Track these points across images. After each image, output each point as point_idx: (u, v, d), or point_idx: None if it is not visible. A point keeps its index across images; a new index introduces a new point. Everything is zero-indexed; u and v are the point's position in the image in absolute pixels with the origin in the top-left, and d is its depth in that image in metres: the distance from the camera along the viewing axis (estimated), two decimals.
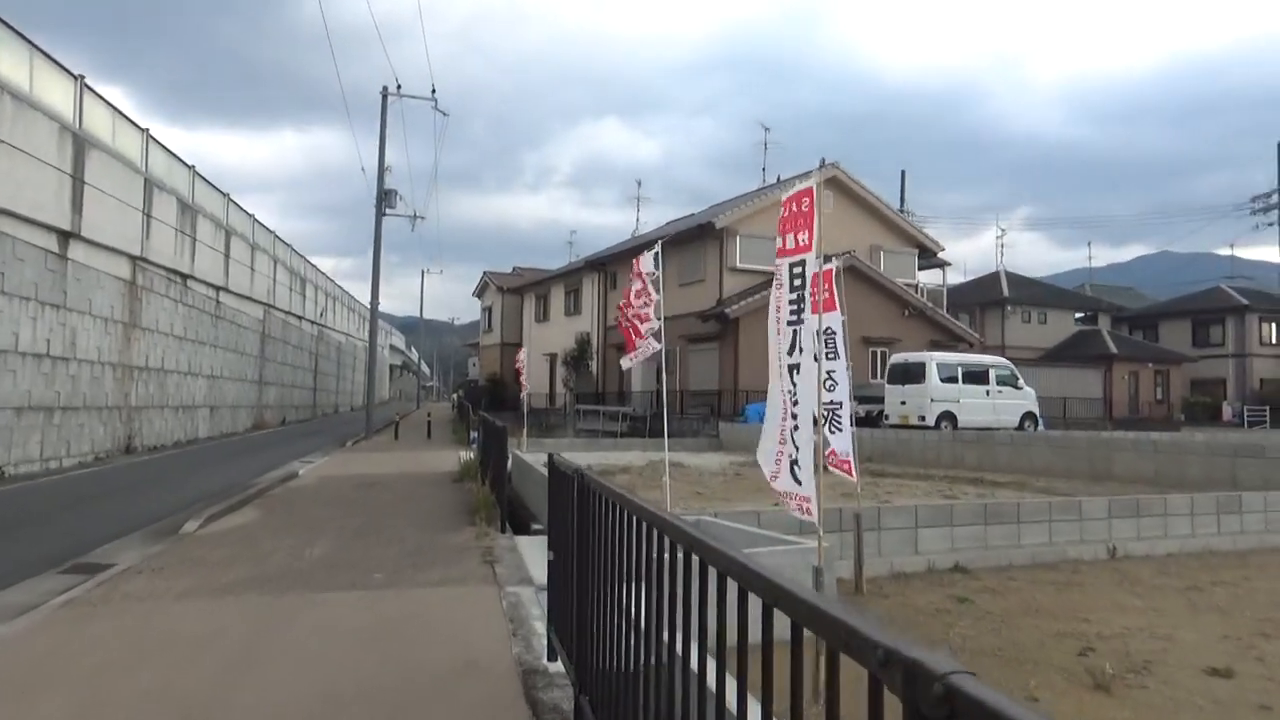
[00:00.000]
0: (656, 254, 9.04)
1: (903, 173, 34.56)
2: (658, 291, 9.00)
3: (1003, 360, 22.22)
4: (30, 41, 15.76)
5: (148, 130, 21.37)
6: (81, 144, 17.45)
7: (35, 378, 16.16)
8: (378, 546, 8.71)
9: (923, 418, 20.19)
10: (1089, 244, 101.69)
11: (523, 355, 24.06)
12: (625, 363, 9.42)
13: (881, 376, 28.75)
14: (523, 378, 24.55)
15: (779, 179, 33.37)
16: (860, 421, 22.79)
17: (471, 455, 18.39)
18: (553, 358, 40.44)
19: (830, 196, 30.42)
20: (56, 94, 16.77)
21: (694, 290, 29.68)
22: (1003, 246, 49.16)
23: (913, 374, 20.81)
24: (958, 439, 18.45)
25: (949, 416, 20.33)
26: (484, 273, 51.89)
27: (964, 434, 18.72)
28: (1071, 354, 42.15)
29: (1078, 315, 47.81)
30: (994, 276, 47.82)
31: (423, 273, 74.70)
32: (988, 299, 44.26)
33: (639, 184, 68.01)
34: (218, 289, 27.99)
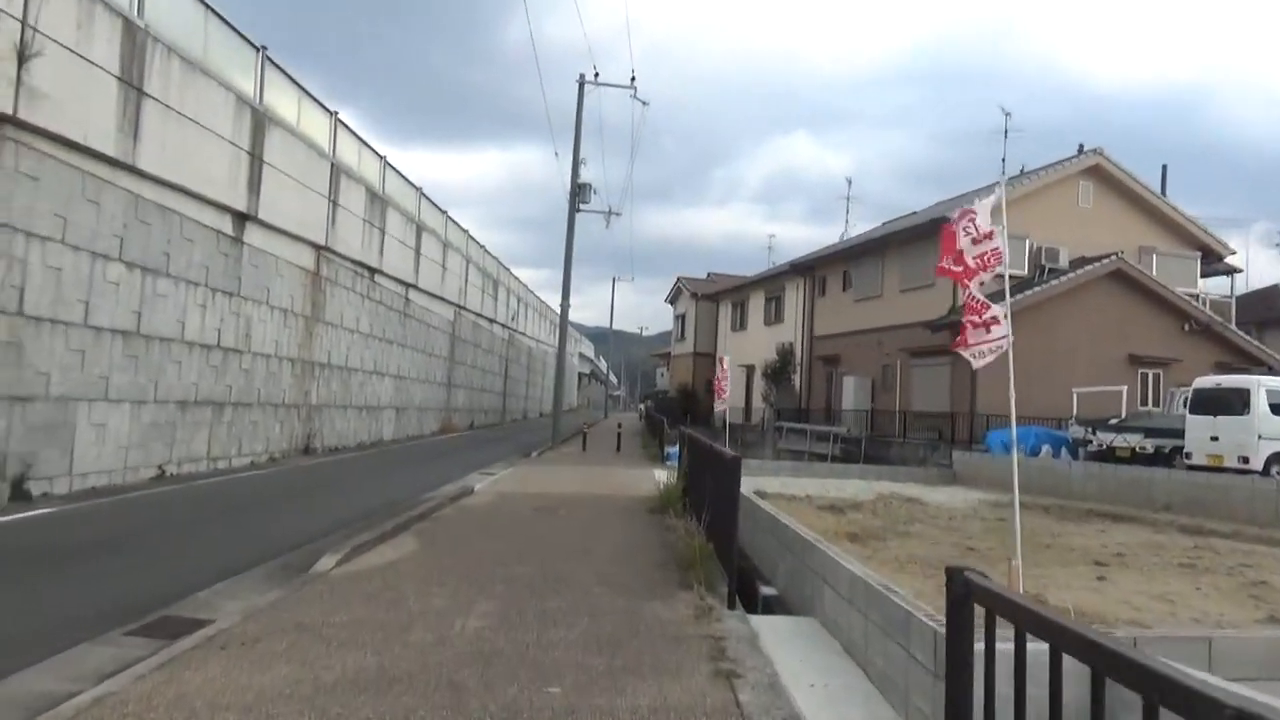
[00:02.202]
0: (1000, 201, 5.99)
1: (1164, 168, 28.93)
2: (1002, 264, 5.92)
3: None
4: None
5: (336, 114, 20.15)
6: (261, 119, 16.13)
7: (204, 370, 14.82)
8: (558, 620, 5.96)
9: (1245, 459, 15.57)
10: None
11: (725, 364, 21.19)
12: (974, 360, 6.28)
13: (1154, 403, 23.81)
14: (721, 389, 21.66)
15: (1022, 170, 28.78)
16: (1148, 460, 18.29)
17: (668, 476, 15.62)
18: (750, 369, 37.32)
19: (1091, 189, 25.72)
20: (234, 64, 15.45)
21: (919, 297, 25.75)
22: None
23: (1229, 403, 16.17)
24: None
25: None
26: (677, 278, 49.55)
27: None
28: None
29: None
30: (1270, 291, 40.41)
31: (613, 280, 73.82)
32: (1268, 316, 37.20)
33: (849, 182, 64.14)
34: (407, 286, 26.88)
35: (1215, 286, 28.20)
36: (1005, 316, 6.03)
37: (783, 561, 8.31)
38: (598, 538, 9.70)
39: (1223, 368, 24.44)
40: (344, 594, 6.60)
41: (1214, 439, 16.30)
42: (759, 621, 6.25)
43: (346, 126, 20.80)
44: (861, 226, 42.92)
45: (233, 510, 11.55)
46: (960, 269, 6.01)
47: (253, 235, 16.32)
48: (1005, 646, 2.14)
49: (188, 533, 9.84)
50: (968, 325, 6.09)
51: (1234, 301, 27.97)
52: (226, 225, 15.38)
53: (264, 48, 16.37)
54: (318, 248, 19.37)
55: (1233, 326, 25.37)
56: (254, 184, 15.93)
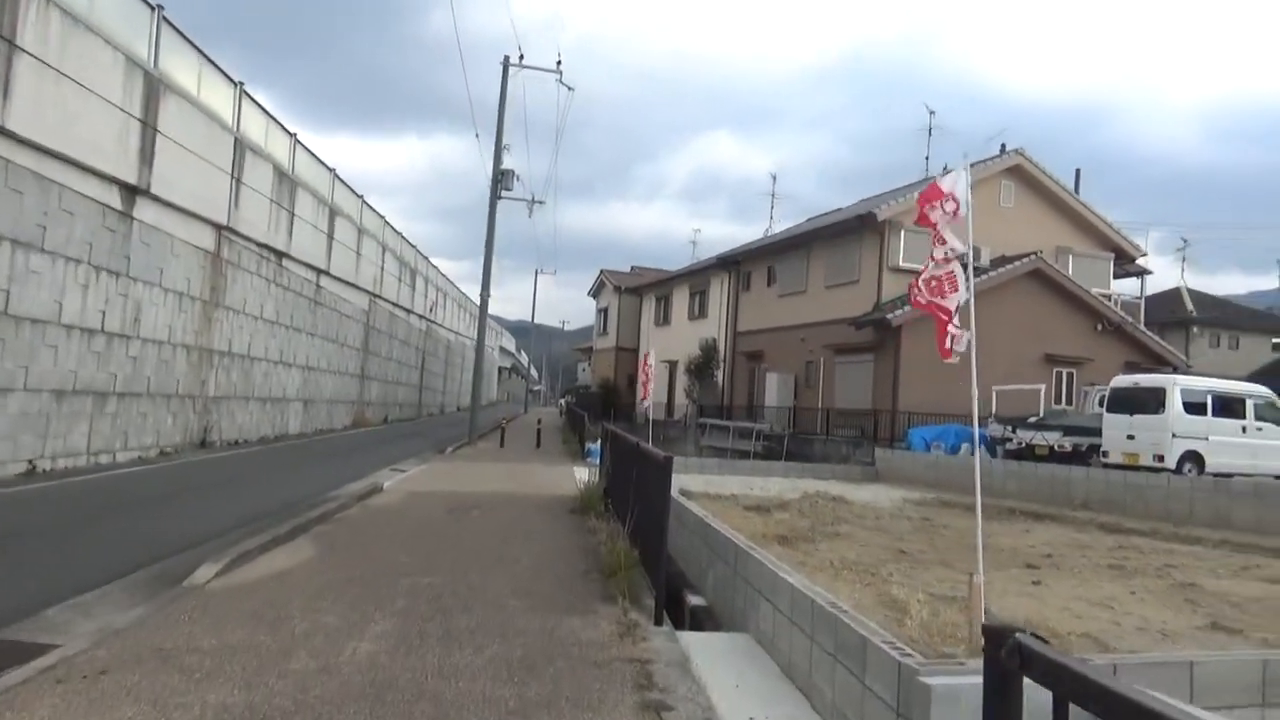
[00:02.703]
0: (966, 180, 5.56)
1: (1077, 172, 29.51)
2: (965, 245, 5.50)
3: (1263, 389, 17.46)
4: None
5: (241, 85, 18.89)
6: (155, 85, 14.89)
7: (84, 356, 13.57)
8: (465, 641, 5.29)
9: (1160, 457, 15.73)
10: None
11: (650, 359, 20.64)
12: (956, 347, 5.86)
13: (1067, 401, 24.19)
14: (647, 385, 21.13)
15: (945, 169, 28.99)
16: (1065, 458, 18.42)
17: (590, 475, 15.03)
18: (673, 365, 36.93)
19: (1012, 189, 26.02)
20: (126, 22, 14.19)
21: (844, 293, 25.66)
22: (1184, 259, 43.17)
23: (1144, 401, 16.34)
24: (1220, 489, 13.99)
25: (1194, 458, 15.80)
26: (601, 271, 48.85)
27: (1234, 483, 14.23)
28: (1275, 383, 36.06)
29: (1276, 340, 41.42)
30: (1174, 293, 41.92)
31: (535, 272, 72.92)
32: (1167, 319, 38.51)
33: (774, 178, 63.96)
34: (319, 272, 25.58)
35: (1125, 288, 28.90)
36: (960, 306, 5.56)
37: (713, 569, 7.78)
38: (515, 542, 9.02)
39: (1132, 367, 24.99)
40: (219, 611, 5.80)
41: (1130, 437, 16.46)
42: (689, 640, 5.67)
43: (252, 99, 19.51)
44: (784, 224, 42.89)
45: (108, 510, 10.48)
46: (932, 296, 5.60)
47: (144, 211, 15.07)
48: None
49: (49, 537, 8.79)
50: (939, 315, 5.63)
51: (1144, 303, 28.72)
52: (114, 199, 14.13)
53: (160, 6, 15.07)
54: (219, 228, 18.11)
55: (1142, 327, 25.98)
56: (146, 155, 14.69)
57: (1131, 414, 16.52)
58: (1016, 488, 17.78)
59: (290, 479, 14.57)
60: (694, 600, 7.47)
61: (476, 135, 25.42)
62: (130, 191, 14.52)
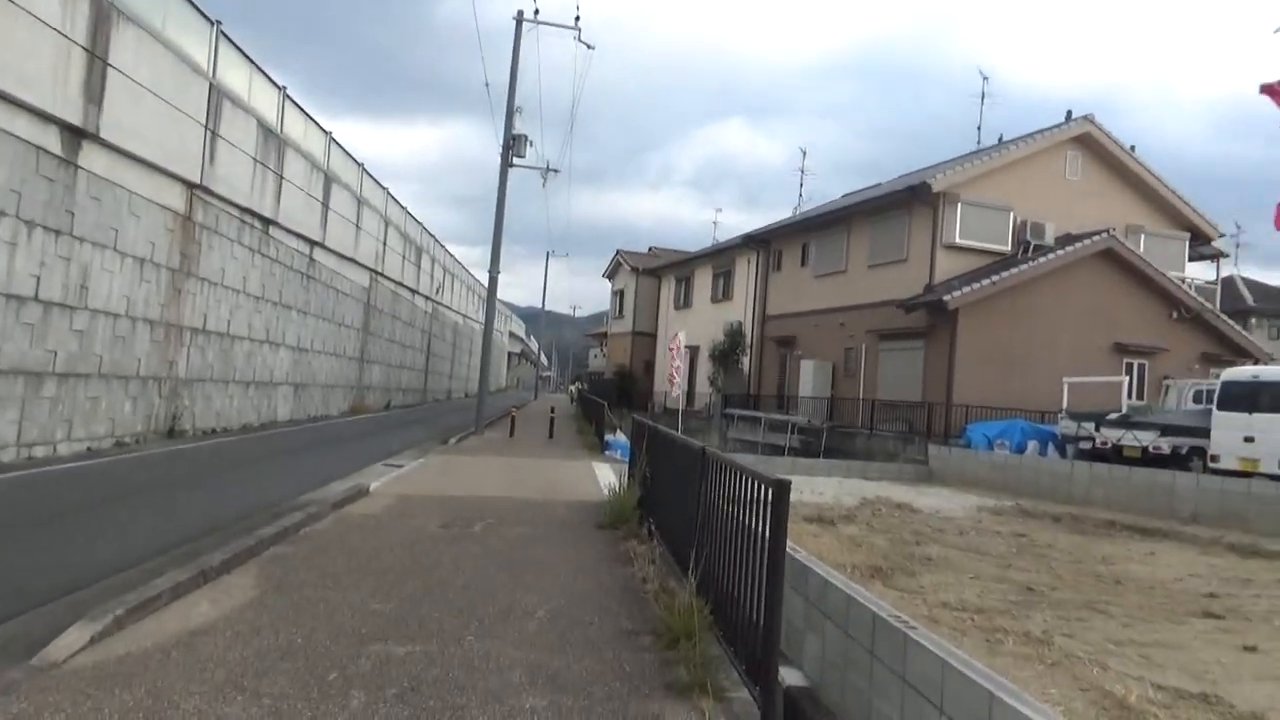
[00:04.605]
0: None
1: (1131, 148, 26.91)
2: None
3: None
4: None
5: (219, 24, 16.51)
6: (104, 7, 12.53)
7: (10, 329, 11.28)
8: None
9: None
10: None
11: (679, 340, 18.33)
12: None
13: (1138, 395, 21.72)
14: (675, 371, 18.82)
15: (1000, 139, 26.45)
16: (1160, 461, 16.02)
17: (615, 475, 12.71)
18: (694, 351, 34.54)
19: (1079, 160, 23.49)
20: None
21: (890, 273, 23.24)
22: (1239, 246, 40.46)
23: (1266, 398, 13.93)
24: None
25: None
26: (617, 251, 46.38)
27: None
28: None
29: None
30: (1228, 282, 39.25)
31: (547, 254, 70.32)
32: (1235, 307, 35.96)
33: (804, 153, 60.48)
34: (312, 244, 23.27)
35: (1197, 272, 26.39)
36: None
37: (816, 632, 5.46)
38: (528, 578, 6.70)
39: (1211, 360, 22.57)
40: (69, 714, 3.51)
41: (1248, 440, 14.04)
42: None
43: (231, 41, 17.10)
44: (793, 210, 40.40)
45: (9, 526, 8.19)
46: None
47: (93, 159, 12.75)
48: None
49: None
50: None
51: (1219, 289, 26.22)
52: (52, 141, 11.80)
53: None
54: (190, 185, 15.79)
55: (1222, 315, 23.48)
56: (92, 91, 12.36)
57: (1250, 412, 14.11)
58: (1104, 495, 15.41)
59: (261, 477, 12.30)
60: (790, 679, 5.14)
61: (486, 84, 23.37)
62: (74, 134, 12.19)
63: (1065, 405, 18.70)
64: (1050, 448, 18.62)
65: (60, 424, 12.45)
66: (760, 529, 4.15)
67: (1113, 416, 17.20)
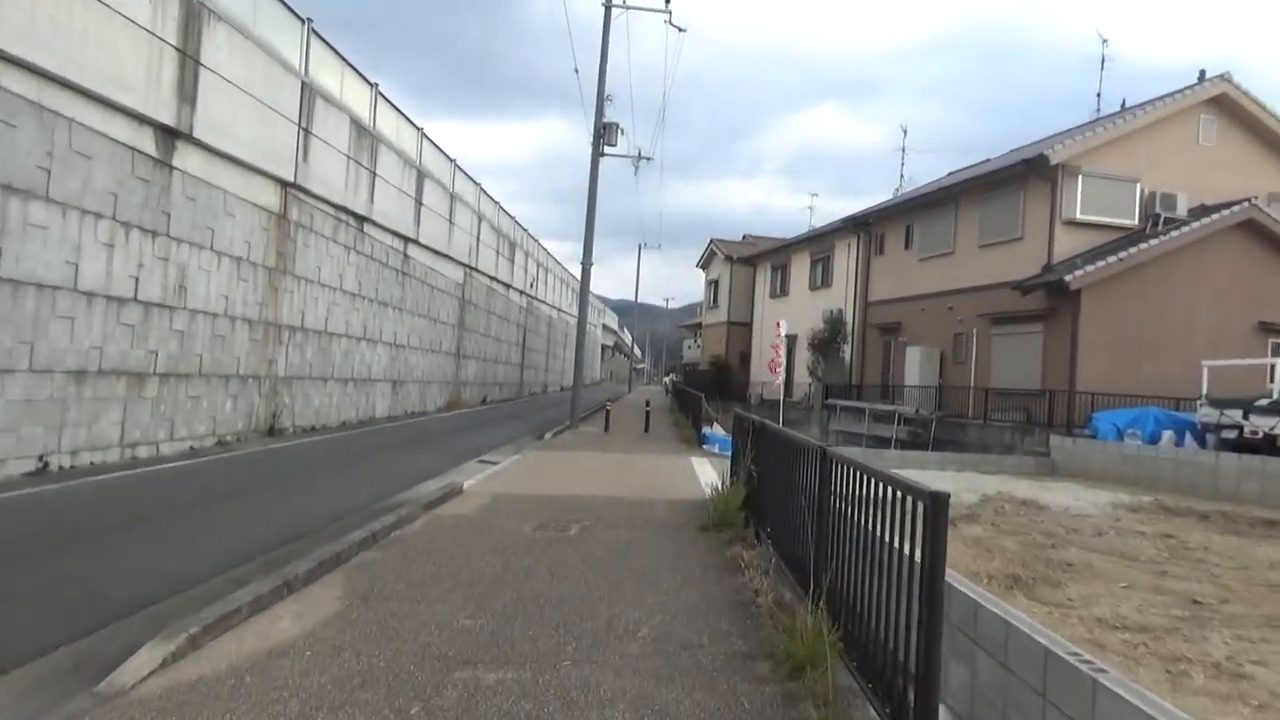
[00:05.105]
0: None
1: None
2: None
3: None
4: None
5: (310, 21, 16.50)
6: (194, 6, 12.52)
7: (112, 330, 11.36)
8: None
9: None
10: None
11: (782, 329, 17.53)
12: None
13: None
14: (777, 359, 18.02)
15: (1123, 104, 24.66)
16: None
17: (714, 472, 12.06)
18: (792, 340, 33.55)
19: (1214, 124, 21.61)
20: None
21: (1003, 252, 21.86)
22: None
23: None
24: None
25: None
26: (711, 240, 45.58)
27: None
28: None
29: None
30: None
31: (639, 246, 69.89)
32: None
33: (904, 131, 58.51)
34: (406, 240, 23.32)
35: None
36: None
37: (959, 658, 4.74)
38: (630, 590, 6.13)
39: None
40: None
41: None
42: None
43: (323, 39, 17.12)
44: (880, 199, 38.81)
45: (94, 528, 8.05)
46: None
47: (188, 159, 12.79)
48: None
49: None
50: None
51: None
52: (147, 143, 11.85)
53: None
54: (284, 184, 15.83)
55: None
56: (186, 92, 12.37)
57: None
58: (1256, 490, 14.01)
59: (357, 475, 12.12)
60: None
61: (576, 70, 22.62)
62: (168, 135, 12.22)
63: (1205, 391, 17.15)
64: (1188, 437, 17.13)
65: (162, 424, 12.54)
66: (905, 547, 3.45)
67: (1262, 402, 15.65)
